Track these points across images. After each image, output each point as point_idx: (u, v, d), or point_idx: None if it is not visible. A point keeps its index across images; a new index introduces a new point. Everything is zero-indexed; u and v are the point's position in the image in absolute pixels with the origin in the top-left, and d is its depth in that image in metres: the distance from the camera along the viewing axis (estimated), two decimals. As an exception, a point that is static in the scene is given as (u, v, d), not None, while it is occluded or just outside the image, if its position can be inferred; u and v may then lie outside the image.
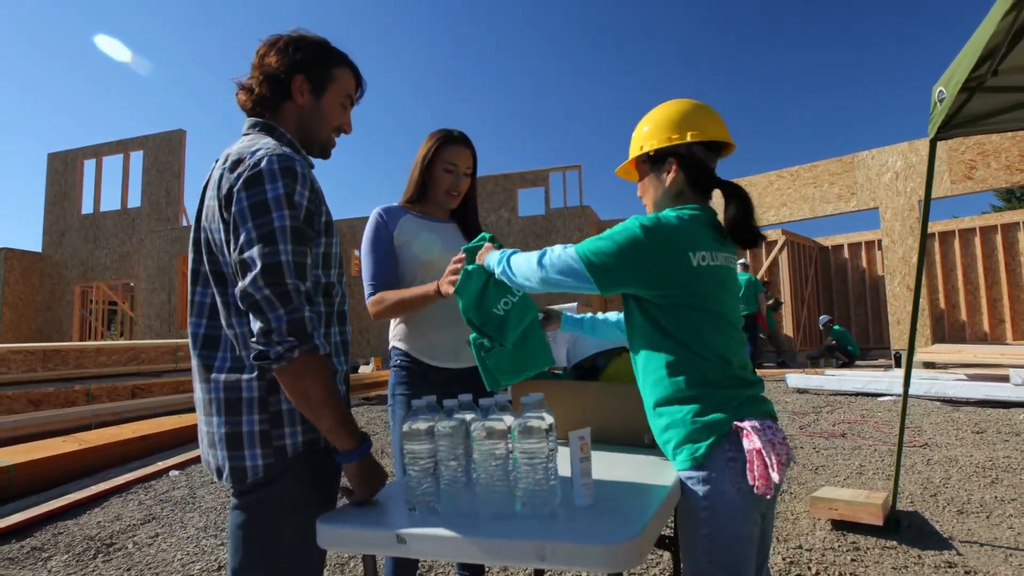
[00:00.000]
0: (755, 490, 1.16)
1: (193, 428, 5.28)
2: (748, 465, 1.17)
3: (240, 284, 1.04)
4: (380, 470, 1.16)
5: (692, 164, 1.34)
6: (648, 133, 1.38)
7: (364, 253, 1.82)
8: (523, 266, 1.31)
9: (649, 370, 1.28)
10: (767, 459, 1.14)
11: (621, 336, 1.69)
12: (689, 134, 1.33)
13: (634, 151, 1.41)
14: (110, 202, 14.96)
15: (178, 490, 3.90)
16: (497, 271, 1.39)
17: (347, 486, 1.16)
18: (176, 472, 4.28)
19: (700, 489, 1.19)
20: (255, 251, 1.03)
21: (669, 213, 1.29)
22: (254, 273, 1.02)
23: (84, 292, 15.23)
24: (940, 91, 2.31)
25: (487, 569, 2.54)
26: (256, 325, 1.03)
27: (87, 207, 15.10)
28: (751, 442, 1.17)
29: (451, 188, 1.86)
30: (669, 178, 1.34)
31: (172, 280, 13.65)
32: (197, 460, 4.56)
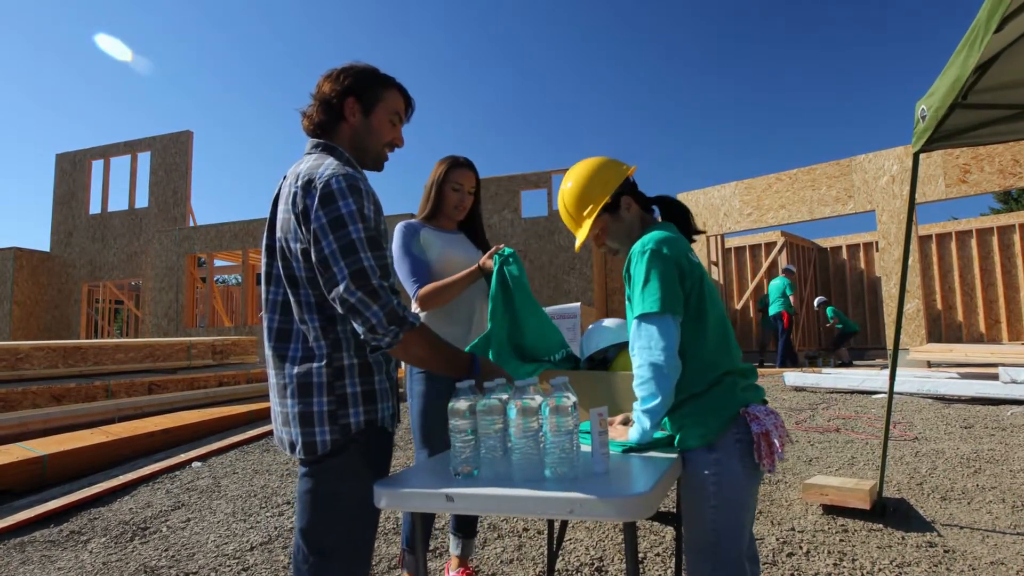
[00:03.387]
0: (761, 467, 1.36)
1: (210, 422, 5.53)
2: (755, 446, 1.35)
3: (335, 292, 1.23)
4: (498, 368, 1.45)
5: (636, 193, 1.59)
6: (590, 191, 1.55)
7: (398, 259, 2.19)
8: (654, 385, 1.35)
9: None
10: (773, 441, 1.34)
11: None
12: (623, 171, 1.57)
13: (591, 206, 1.55)
14: (118, 202, 15.18)
15: (202, 480, 4.09)
16: (651, 425, 1.40)
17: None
18: (199, 463, 4.48)
19: (710, 467, 1.36)
20: (341, 262, 1.22)
21: (654, 232, 1.46)
22: (345, 282, 1.22)
23: (91, 291, 15.43)
24: (923, 108, 2.50)
25: (482, 546, 2.74)
26: (359, 325, 1.24)
27: (95, 207, 15.31)
28: (760, 425, 1.35)
29: (458, 204, 2.27)
30: (630, 212, 1.56)
31: (180, 280, 13.85)
32: (219, 452, 4.77)
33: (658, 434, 1.56)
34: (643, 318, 1.37)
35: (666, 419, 1.49)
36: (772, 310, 10.00)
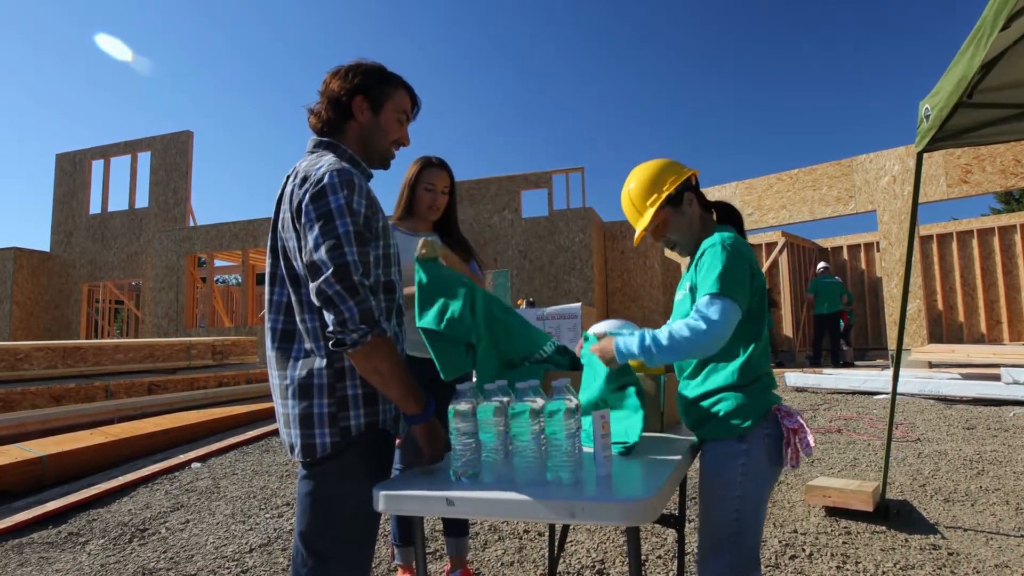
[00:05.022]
0: (788, 462, 1.42)
1: (209, 423, 5.52)
2: (784, 442, 1.43)
3: (314, 283, 1.21)
4: (443, 432, 1.35)
5: (698, 194, 1.63)
6: (656, 182, 1.59)
7: None
8: (688, 347, 1.38)
9: (709, 359, 1.49)
10: (802, 437, 1.41)
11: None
12: (686, 171, 1.61)
13: (655, 196, 1.58)
14: (118, 202, 15.18)
15: (202, 480, 4.08)
16: (643, 357, 1.43)
17: (413, 451, 1.35)
18: (198, 464, 4.46)
19: (739, 458, 1.43)
20: (324, 254, 1.21)
21: (729, 233, 1.50)
22: (326, 273, 1.20)
23: (91, 291, 15.42)
24: (926, 108, 2.48)
25: (470, 551, 2.72)
26: (331, 317, 1.21)
27: (95, 207, 15.31)
28: (793, 421, 1.43)
29: (431, 204, 2.25)
30: (692, 209, 1.60)
31: (180, 280, 13.84)
32: (218, 452, 4.75)
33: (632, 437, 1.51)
34: (715, 296, 1.38)
35: (699, 405, 1.51)
36: (828, 309, 9.98)
